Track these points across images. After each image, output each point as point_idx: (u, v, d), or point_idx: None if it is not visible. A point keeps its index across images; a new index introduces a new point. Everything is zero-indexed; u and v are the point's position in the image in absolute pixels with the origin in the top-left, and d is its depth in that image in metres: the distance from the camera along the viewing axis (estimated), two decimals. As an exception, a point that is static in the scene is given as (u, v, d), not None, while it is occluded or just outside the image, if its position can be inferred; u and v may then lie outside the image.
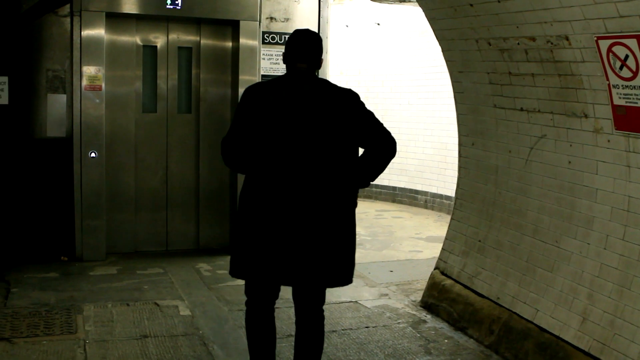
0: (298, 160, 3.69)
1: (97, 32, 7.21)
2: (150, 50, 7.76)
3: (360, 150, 3.92)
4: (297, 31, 3.95)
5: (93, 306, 5.84)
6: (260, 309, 3.95)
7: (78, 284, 6.51)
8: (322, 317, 4.03)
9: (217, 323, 5.60)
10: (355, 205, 3.91)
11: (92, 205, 7.32)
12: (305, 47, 3.82)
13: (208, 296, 6.29)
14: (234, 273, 3.88)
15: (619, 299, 4.26)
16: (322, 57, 3.94)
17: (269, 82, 3.87)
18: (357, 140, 3.86)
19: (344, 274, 3.85)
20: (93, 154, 7.26)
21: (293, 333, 5.32)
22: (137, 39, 7.67)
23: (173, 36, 7.81)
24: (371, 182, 3.98)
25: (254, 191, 3.79)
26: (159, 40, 7.78)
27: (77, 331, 5.25)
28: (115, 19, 7.43)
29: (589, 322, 4.45)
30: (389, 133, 3.92)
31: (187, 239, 8.05)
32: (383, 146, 3.86)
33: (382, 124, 3.92)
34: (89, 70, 7.20)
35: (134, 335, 5.22)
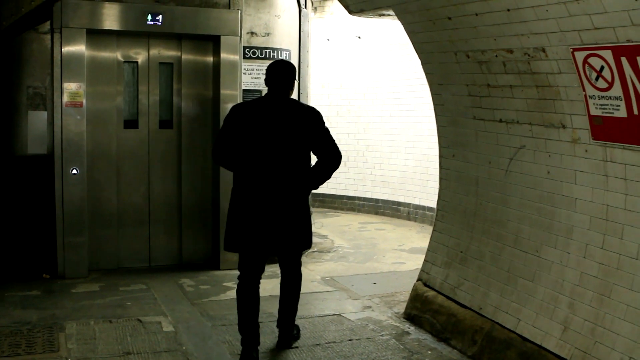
0: (271, 161, 4.91)
1: (77, 48, 7.21)
2: (131, 66, 7.77)
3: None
4: (274, 62, 5.13)
5: (75, 324, 5.80)
6: (249, 279, 5.08)
7: (60, 301, 6.47)
8: (299, 275, 5.36)
9: (201, 339, 5.58)
10: (309, 194, 5.19)
11: (74, 221, 7.28)
12: (278, 76, 5.01)
13: (191, 312, 6.27)
14: (228, 248, 5.06)
15: (599, 307, 4.30)
16: (295, 81, 5.11)
17: (251, 101, 5.16)
18: (312, 149, 5.08)
19: (305, 241, 5.14)
20: (74, 171, 7.24)
21: (276, 348, 5.36)
22: (118, 55, 7.68)
23: (154, 52, 7.82)
24: (320, 186, 5.19)
25: (239, 185, 4.98)
26: (140, 56, 7.79)
27: (60, 349, 5.22)
28: (96, 35, 7.43)
29: (570, 330, 4.48)
30: (336, 148, 5.10)
31: (170, 254, 8.03)
32: (330, 158, 5.07)
33: (333, 140, 5.09)
34: (69, 86, 7.19)
35: (117, 353, 5.19)
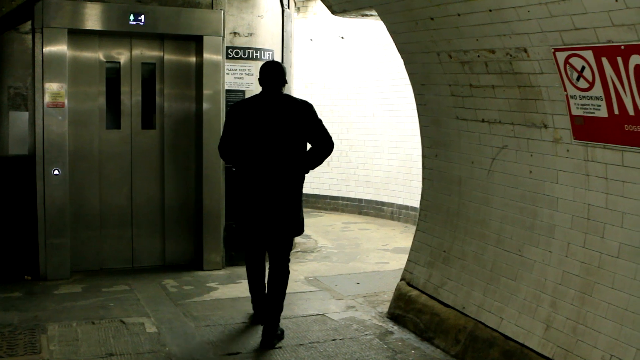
0: (269, 152, 5.34)
1: (59, 48, 7.17)
2: (113, 66, 7.73)
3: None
4: (266, 63, 5.61)
5: (58, 325, 5.77)
6: (257, 260, 5.77)
7: (42, 303, 6.43)
8: (287, 266, 5.56)
9: (184, 339, 5.57)
10: (303, 177, 5.55)
11: (56, 223, 7.24)
12: (271, 75, 5.46)
13: (174, 312, 6.25)
14: (240, 228, 5.62)
15: (580, 305, 4.33)
16: (286, 78, 5.57)
17: (248, 99, 5.61)
18: (306, 138, 5.44)
19: (297, 228, 5.52)
20: (56, 171, 7.19)
21: (259, 348, 5.35)
22: (100, 55, 7.64)
23: (136, 52, 7.79)
24: (312, 169, 5.57)
25: (243, 175, 5.47)
26: (122, 56, 7.75)
27: (42, 351, 5.18)
28: (78, 36, 7.39)
29: (552, 329, 4.51)
30: (329, 136, 5.47)
31: (153, 255, 8.00)
32: (323, 145, 5.45)
33: (325, 129, 5.46)
34: (51, 87, 7.15)
35: (100, 354, 5.16)
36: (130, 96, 7.79)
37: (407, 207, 11.23)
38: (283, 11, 8.48)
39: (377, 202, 11.91)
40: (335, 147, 5.63)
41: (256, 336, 5.59)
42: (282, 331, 5.62)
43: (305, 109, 5.44)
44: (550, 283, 4.61)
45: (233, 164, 5.65)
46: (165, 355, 5.20)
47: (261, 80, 5.50)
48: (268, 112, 5.39)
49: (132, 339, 5.50)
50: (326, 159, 5.63)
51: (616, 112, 3.95)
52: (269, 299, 5.50)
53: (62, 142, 7.23)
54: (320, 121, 5.48)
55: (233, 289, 7.06)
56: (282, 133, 5.35)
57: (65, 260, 7.32)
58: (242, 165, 5.47)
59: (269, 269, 5.55)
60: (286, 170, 5.37)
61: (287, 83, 5.62)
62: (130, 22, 7.40)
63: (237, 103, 5.61)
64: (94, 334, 5.58)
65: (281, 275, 5.50)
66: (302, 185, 5.53)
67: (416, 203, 7.10)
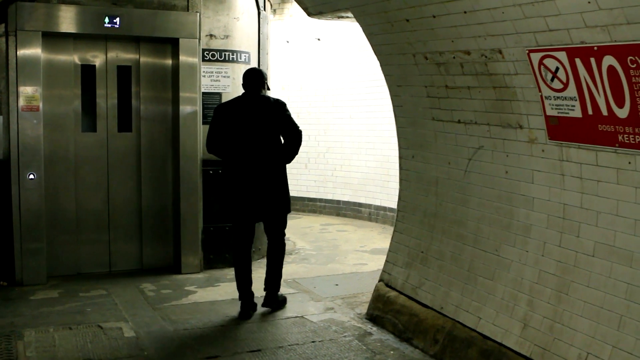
0: (251, 145, 6.16)
1: (33, 51, 7.11)
2: (88, 69, 7.68)
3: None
4: (248, 70, 6.48)
5: (34, 331, 5.72)
6: (244, 242, 6.31)
7: (18, 309, 6.37)
8: (283, 240, 6.45)
9: (163, 343, 5.54)
10: (284, 168, 6.34)
11: (32, 227, 7.18)
12: (251, 79, 6.33)
13: (153, 316, 6.22)
14: (229, 219, 6.57)
15: (557, 304, 4.37)
16: (267, 83, 6.55)
17: (231, 100, 6.45)
18: (279, 130, 6.27)
19: (285, 207, 6.37)
20: (32, 176, 7.14)
21: (238, 351, 5.34)
22: (75, 58, 7.59)
23: (112, 55, 7.74)
24: (292, 160, 6.38)
25: (231, 167, 6.24)
26: (98, 59, 7.71)
27: (18, 358, 5.13)
28: (52, 38, 7.34)
29: (529, 327, 4.55)
30: (296, 128, 6.31)
31: (131, 259, 7.95)
32: (292, 138, 6.29)
33: (295, 124, 6.32)
34: (25, 90, 7.09)
35: None
36: (106, 99, 7.75)
37: (384, 208, 11.26)
38: (259, 13, 8.47)
39: (355, 204, 11.93)
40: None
41: (235, 339, 5.58)
42: (285, 299, 6.59)
43: (278, 107, 6.28)
44: (527, 282, 4.64)
45: (219, 156, 6.39)
46: (143, 359, 5.17)
47: (243, 84, 6.36)
48: (248, 110, 6.21)
49: (110, 344, 5.47)
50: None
51: (590, 112, 3.99)
52: (269, 268, 6.42)
53: (37, 146, 7.17)
54: (289, 116, 6.32)
55: (211, 292, 7.04)
56: (261, 127, 6.19)
57: (42, 265, 7.26)
58: (228, 156, 6.28)
59: (268, 245, 6.47)
60: (267, 158, 6.19)
61: (265, 86, 6.45)
62: (105, 25, 7.35)
63: (222, 104, 6.58)
64: (71, 340, 5.54)
65: (278, 248, 6.41)
66: (284, 170, 6.33)
67: (394, 204, 7.12)
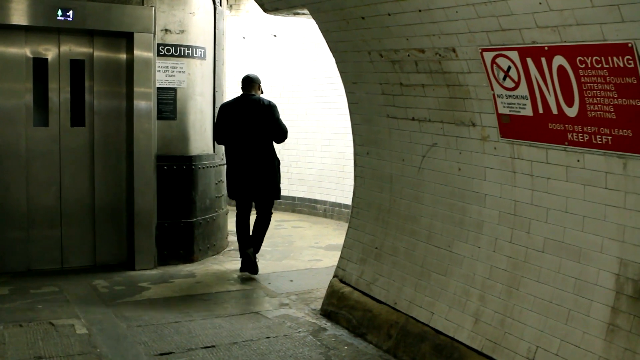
0: (248, 138, 7.54)
1: (-17, 44, 6.98)
2: (41, 62, 7.55)
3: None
4: (245, 76, 7.87)
5: (-16, 328, 5.63)
6: (242, 214, 7.83)
7: (-33, 305, 6.26)
8: (270, 214, 7.89)
9: (115, 340, 5.50)
10: (273, 159, 7.77)
11: (-19, 223, 7.06)
12: (245, 84, 7.78)
13: (105, 313, 6.16)
14: (230, 196, 8.00)
15: (508, 299, 4.45)
16: (260, 85, 7.92)
17: (232, 100, 7.82)
18: (269, 129, 7.61)
19: (275, 194, 7.80)
20: (-19, 171, 7.01)
21: (192, 347, 5.32)
22: (27, 51, 7.46)
23: (65, 48, 7.63)
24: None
25: (230, 155, 7.74)
26: (50, 53, 7.59)
27: (-33, 355, 5.05)
28: (3, 31, 7.21)
29: (481, 322, 4.62)
30: (283, 129, 7.75)
31: (83, 255, 7.86)
32: (277, 135, 7.73)
33: (281, 123, 7.73)
34: (-25, 83, 6.96)
35: (28, 357, 5.05)
36: (59, 93, 7.64)
37: (340, 205, 11.30)
38: (215, 8, 8.44)
39: (310, 200, 11.96)
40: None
41: (189, 335, 5.57)
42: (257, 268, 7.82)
43: (269, 108, 7.65)
44: (479, 278, 4.72)
45: (225, 145, 7.87)
46: (96, 356, 5.12)
47: (242, 87, 7.79)
48: (245, 109, 7.61)
49: (62, 341, 5.40)
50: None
51: (541, 111, 4.07)
52: (254, 233, 7.83)
53: (-13, 141, 7.04)
54: (278, 118, 7.68)
55: (165, 289, 7.00)
56: (255, 123, 7.54)
57: (-9, 262, 7.14)
58: (229, 149, 7.73)
59: (256, 217, 7.85)
60: (259, 149, 7.56)
61: (258, 89, 7.83)
62: (58, 18, 7.25)
63: (225, 103, 7.91)
64: (21, 337, 5.46)
65: (265, 220, 7.86)
66: (274, 160, 7.70)
67: (349, 201, 7.16)
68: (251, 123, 7.53)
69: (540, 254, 4.25)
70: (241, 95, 7.72)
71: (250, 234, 7.82)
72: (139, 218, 7.72)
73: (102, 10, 7.46)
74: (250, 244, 7.76)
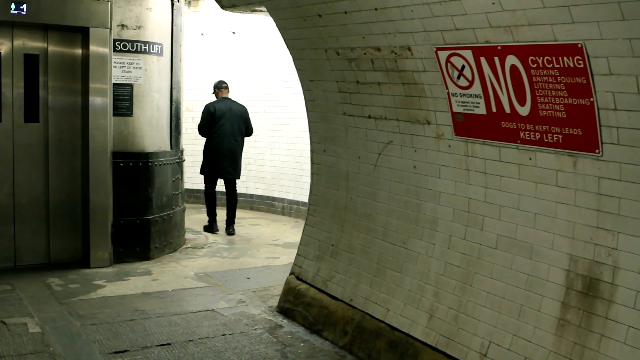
0: (226, 130, 9.77)
1: None
2: (-7, 57, 7.44)
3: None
4: (222, 80, 10.28)
5: None
6: (212, 186, 10.06)
7: None
8: (236, 194, 10.12)
9: (69, 339, 5.43)
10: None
11: None
12: (226, 86, 10.16)
13: (59, 311, 6.08)
14: (202, 172, 10.15)
15: (461, 295, 4.50)
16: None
17: (215, 101, 10.02)
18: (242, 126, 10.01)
19: (239, 172, 10.04)
20: None
21: (148, 345, 5.28)
22: (-21, 46, 7.34)
23: (18, 42, 7.51)
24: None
25: (210, 144, 9.88)
26: (3, 47, 7.46)
27: None
28: (-46, 24, 7.08)
29: (435, 318, 4.67)
30: (251, 129, 10.13)
31: (37, 253, 7.74)
32: (248, 131, 10.11)
33: (250, 124, 10.09)
34: None
35: (-21, 356, 4.99)
36: (12, 88, 7.51)
37: (298, 202, 11.31)
38: (173, 4, 8.38)
39: (268, 198, 11.95)
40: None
41: (145, 333, 5.53)
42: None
43: (244, 109, 10.05)
44: (433, 274, 4.77)
45: (207, 137, 9.86)
46: (49, 355, 5.06)
47: (224, 90, 10.13)
48: (226, 109, 9.82)
49: (14, 340, 5.32)
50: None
51: (494, 109, 4.13)
52: (229, 208, 10.00)
53: (-62, 136, 6.90)
54: (247, 117, 10.06)
55: (121, 287, 6.93)
56: (230, 121, 9.78)
57: (-59, 260, 6.99)
58: (209, 139, 9.82)
59: (226, 193, 10.00)
60: (235, 142, 9.82)
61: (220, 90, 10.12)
62: (11, 11, 7.13)
63: (209, 104, 9.93)
64: (-28, 336, 5.37)
65: (233, 195, 10.03)
66: (241, 152, 10.03)
67: (307, 198, 7.18)
68: (229, 120, 9.83)
69: (493, 250, 4.31)
70: (222, 97, 10.05)
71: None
72: (95, 215, 7.64)
73: (57, 4, 7.35)
74: (227, 217, 10.05)
